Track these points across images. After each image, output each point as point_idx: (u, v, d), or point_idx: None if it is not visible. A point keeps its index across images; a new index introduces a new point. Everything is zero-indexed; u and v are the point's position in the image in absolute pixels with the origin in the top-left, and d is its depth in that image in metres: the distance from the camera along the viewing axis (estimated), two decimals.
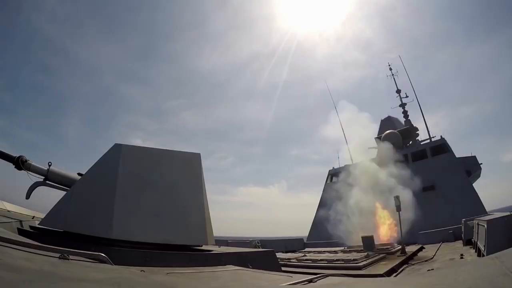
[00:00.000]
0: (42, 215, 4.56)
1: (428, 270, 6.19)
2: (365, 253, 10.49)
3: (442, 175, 19.68)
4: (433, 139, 25.36)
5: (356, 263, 8.91)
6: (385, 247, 13.00)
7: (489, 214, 10.96)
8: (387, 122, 29.71)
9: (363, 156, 25.71)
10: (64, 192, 4.61)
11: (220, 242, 8.02)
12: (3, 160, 4.71)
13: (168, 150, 5.05)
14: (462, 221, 12.35)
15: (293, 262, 9.58)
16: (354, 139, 29.17)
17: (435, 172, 20.21)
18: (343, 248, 14.15)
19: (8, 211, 4.88)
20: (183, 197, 4.56)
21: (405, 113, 30.37)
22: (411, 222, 13.89)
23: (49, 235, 3.96)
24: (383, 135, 28.08)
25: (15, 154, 4.73)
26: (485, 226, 7.49)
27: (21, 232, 4.12)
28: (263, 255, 5.21)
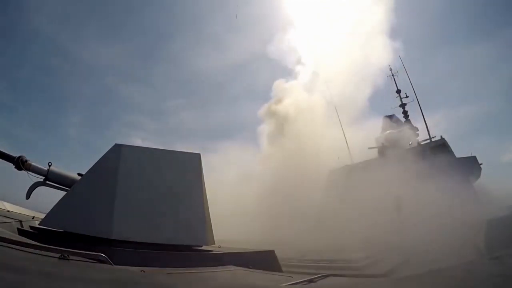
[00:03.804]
0: (42, 215, 4.55)
1: (429, 270, 6.18)
2: None
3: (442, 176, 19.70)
4: (433, 139, 25.39)
5: (357, 263, 8.90)
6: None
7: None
8: (389, 120, 29.63)
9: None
10: (64, 192, 4.60)
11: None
12: (3, 160, 4.71)
13: (168, 150, 5.04)
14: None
15: (293, 262, 9.57)
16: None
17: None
18: None
19: (8, 211, 4.88)
20: (183, 197, 4.55)
21: (405, 113, 30.41)
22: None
23: (49, 235, 3.96)
24: (383, 135, 28.10)
25: (15, 154, 4.72)
26: (485, 226, 7.50)
27: (21, 232, 4.11)
28: (264, 255, 5.20)
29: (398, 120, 29.89)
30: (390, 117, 30.19)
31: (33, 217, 5.00)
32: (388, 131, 28.07)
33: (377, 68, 33.81)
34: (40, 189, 4.85)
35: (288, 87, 36.74)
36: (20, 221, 4.55)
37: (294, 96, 35.52)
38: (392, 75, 31.14)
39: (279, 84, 37.26)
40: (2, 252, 2.06)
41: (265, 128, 36.69)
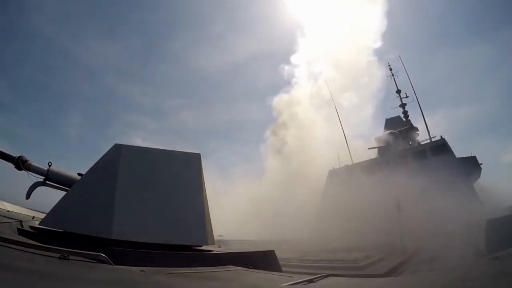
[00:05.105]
0: (42, 215, 4.55)
1: (429, 270, 6.19)
2: None
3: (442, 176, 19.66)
4: (433, 139, 25.35)
5: (357, 263, 8.90)
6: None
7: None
8: (392, 122, 29.58)
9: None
10: (64, 192, 4.60)
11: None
12: (3, 160, 4.70)
13: (168, 150, 5.04)
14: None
15: (294, 262, 9.57)
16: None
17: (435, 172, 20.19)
18: None
19: (8, 211, 4.88)
20: (183, 197, 4.55)
21: (405, 113, 30.37)
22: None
23: (49, 235, 3.95)
24: (383, 135, 28.09)
25: (15, 154, 4.72)
26: (485, 226, 7.49)
27: (21, 232, 4.11)
28: (264, 255, 5.20)
29: (399, 120, 29.81)
30: (393, 119, 30.13)
31: (33, 217, 5.00)
32: (388, 131, 28.03)
33: (376, 66, 34.16)
34: (40, 189, 4.84)
35: (288, 98, 37.85)
36: (20, 221, 4.55)
37: (295, 104, 36.53)
38: (392, 75, 31.14)
39: (280, 99, 38.57)
40: (2, 252, 2.06)
41: (269, 141, 37.99)
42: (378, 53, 35.83)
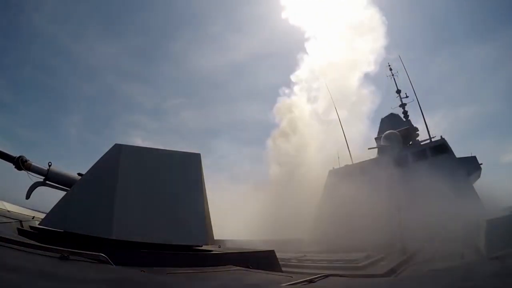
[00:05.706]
0: (42, 215, 4.56)
1: (429, 270, 6.19)
2: None
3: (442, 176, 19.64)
4: (433, 139, 25.32)
5: (357, 263, 8.90)
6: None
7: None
8: (388, 120, 29.65)
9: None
10: (64, 192, 4.60)
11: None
12: (3, 160, 4.70)
13: (168, 150, 5.04)
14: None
15: (293, 262, 9.57)
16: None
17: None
18: None
19: (8, 211, 4.88)
20: (183, 197, 4.55)
21: (405, 113, 30.35)
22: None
23: (49, 235, 3.96)
24: (383, 135, 28.08)
25: (16, 154, 4.72)
26: (485, 226, 7.50)
27: (21, 232, 4.11)
28: (264, 255, 5.20)
29: (398, 120, 29.80)
30: (391, 116, 30.15)
31: (33, 217, 5.00)
32: (388, 131, 28.03)
33: (376, 66, 34.38)
34: (40, 189, 4.85)
35: (289, 102, 38.49)
36: (20, 221, 4.55)
37: (296, 107, 37.15)
38: (392, 75, 31.15)
39: (280, 105, 39.29)
40: (2, 252, 2.06)
41: (270, 147, 38.42)
42: (378, 54, 35.85)
